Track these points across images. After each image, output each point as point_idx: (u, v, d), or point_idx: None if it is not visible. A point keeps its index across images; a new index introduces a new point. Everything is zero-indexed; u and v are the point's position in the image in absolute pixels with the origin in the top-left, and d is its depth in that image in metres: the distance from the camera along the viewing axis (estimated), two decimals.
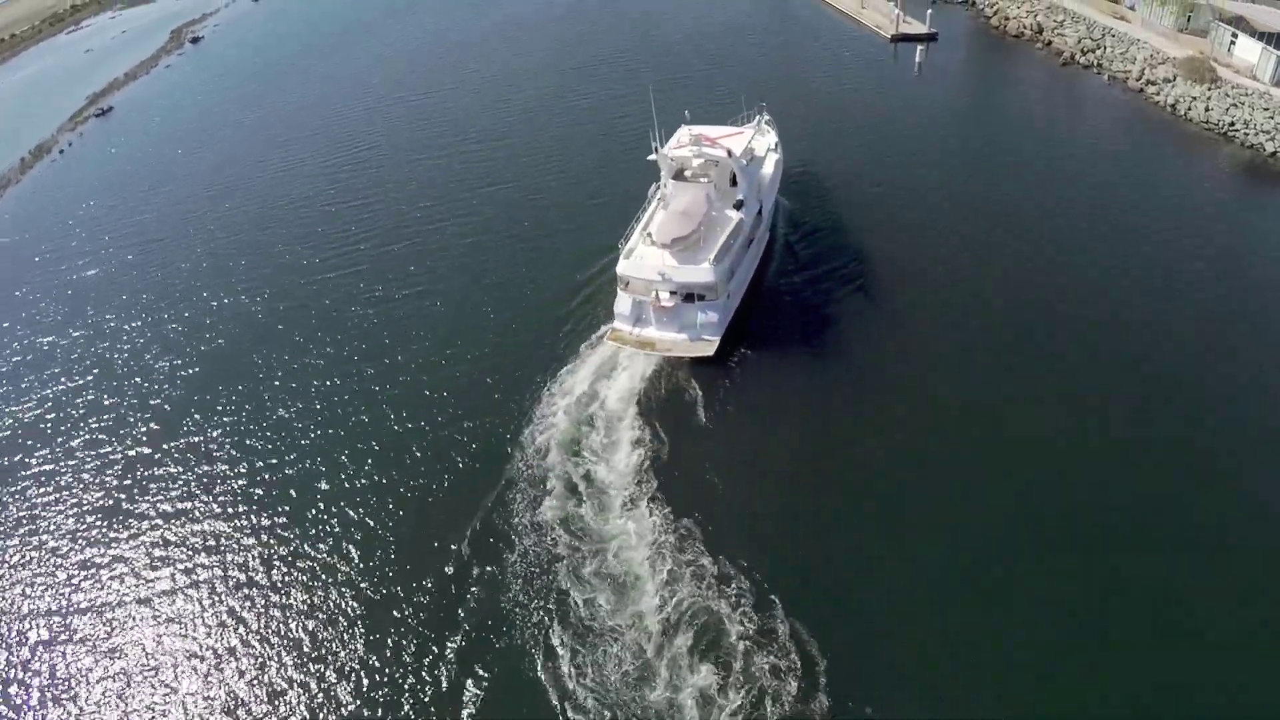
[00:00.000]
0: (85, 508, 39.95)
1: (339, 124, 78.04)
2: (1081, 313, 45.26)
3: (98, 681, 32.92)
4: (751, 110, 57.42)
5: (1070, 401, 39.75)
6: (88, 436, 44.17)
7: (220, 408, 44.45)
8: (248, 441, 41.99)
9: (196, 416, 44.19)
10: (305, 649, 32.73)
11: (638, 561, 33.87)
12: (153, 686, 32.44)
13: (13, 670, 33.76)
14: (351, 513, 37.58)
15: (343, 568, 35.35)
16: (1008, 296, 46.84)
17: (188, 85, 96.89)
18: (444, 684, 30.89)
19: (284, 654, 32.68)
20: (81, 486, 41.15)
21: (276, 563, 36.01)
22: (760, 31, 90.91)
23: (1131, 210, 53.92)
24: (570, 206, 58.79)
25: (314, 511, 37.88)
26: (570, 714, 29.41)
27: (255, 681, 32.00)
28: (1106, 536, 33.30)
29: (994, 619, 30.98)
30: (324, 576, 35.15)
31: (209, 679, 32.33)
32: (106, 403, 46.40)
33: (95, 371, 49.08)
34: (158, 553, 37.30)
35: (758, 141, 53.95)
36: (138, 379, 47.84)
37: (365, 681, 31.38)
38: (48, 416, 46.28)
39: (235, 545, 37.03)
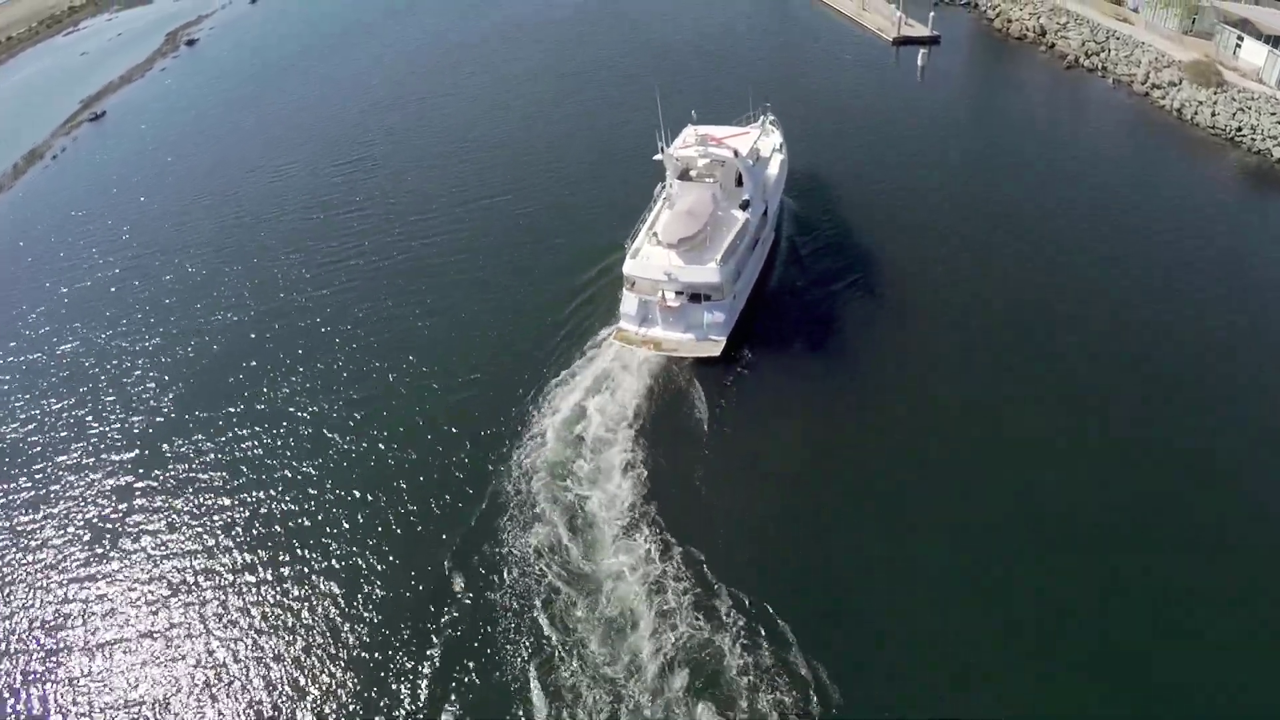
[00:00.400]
0: (69, 533, 39.83)
1: (334, 130, 78.35)
2: (1082, 313, 45.95)
3: None
4: (756, 110, 58.12)
5: (1070, 401, 40.34)
6: (73, 459, 43.98)
7: (205, 430, 44.30)
8: (233, 465, 41.94)
9: (181, 439, 44.03)
10: (278, 682, 32.59)
11: (632, 595, 33.32)
12: None
13: None
14: (335, 544, 37.19)
15: (323, 603, 34.89)
16: (1009, 297, 47.52)
17: (181, 89, 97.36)
18: None
19: (254, 687, 32.56)
20: (65, 511, 40.99)
21: (256, 592, 35.78)
22: (760, 33, 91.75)
23: (1134, 213, 54.61)
24: (568, 210, 59.36)
25: (297, 539, 37.62)
26: None
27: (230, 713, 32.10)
28: (1106, 536, 33.83)
29: (994, 620, 31.41)
30: (305, 608, 34.78)
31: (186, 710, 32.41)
32: (92, 424, 46.18)
33: (81, 390, 48.85)
34: (139, 577, 37.21)
35: (763, 142, 54.76)
36: (124, 398, 47.72)
37: None
38: (32, 438, 46.01)
39: (217, 571, 36.86)
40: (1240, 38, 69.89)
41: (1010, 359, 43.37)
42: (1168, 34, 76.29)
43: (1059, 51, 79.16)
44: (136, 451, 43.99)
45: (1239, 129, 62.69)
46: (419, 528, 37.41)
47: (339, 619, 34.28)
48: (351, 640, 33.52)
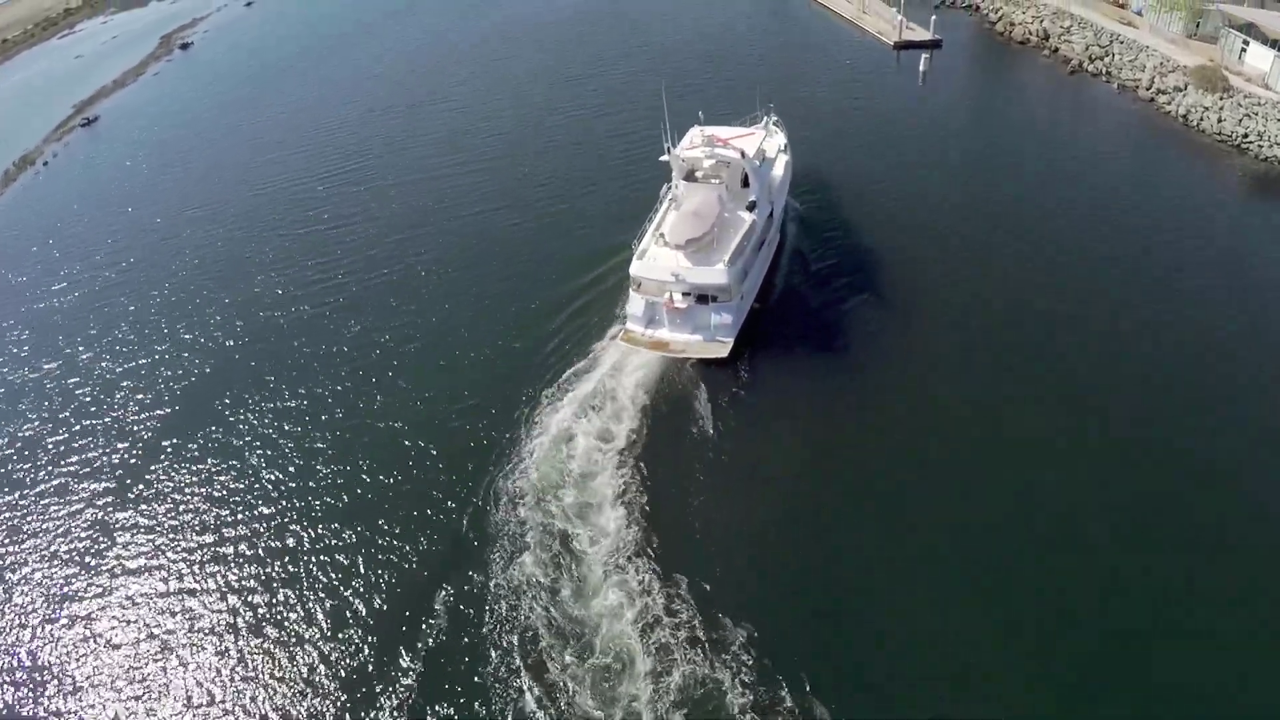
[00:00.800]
0: (51, 559, 39.73)
1: (328, 137, 78.74)
2: (1083, 314, 46.75)
3: None
4: (759, 111, 58.91)
5: (1070, 401, 41.02)
6: (56, 483, 43.83)
7: (188, 456, 44.10)
8: (215, 492, 41.78)
9: (164, 464, 43.82)
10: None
11: (626, 635, 32.74)
12: None
13: None
14: (318, 576, 36.90)
15: (301, 643, 34.51)
16: (1010, 298, 48.25)
17: (174, 95, 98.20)
18: None
19: None
20: (46, 539, 40.86)
21: (232, 628, 35.56)
22: (759, 36, 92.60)
23: (1138, 215, 55.30)
24: (560, 219, 59.81)
25: (278, 573, 37.30)
26: None
27: None
28: (1106, 536, 34.43)
29: (995, 620, 31.90)
30: (281, 650, 34.41)
31: None
32: (74, 448, 45.95)
33: (65, 411, 48.70)
34: (119, 606, 37.11)
35: (768, 143, 55.58)
36: (108, 420, 47.53)
37: None
38: (12, 463, 45.79)
39: (196, 605, 36.66)
40: (1246, 42, 70.43)
41: (1010, 359, 44.02)
42: (1172, 38, 76.94)
43: (1062, 56, 79.83)
44: (118, 478, 43.52)
45: (1245, 135, 63.11)
46: (404, 560, 37.05)
47: (317, 658, 33.88)
48: (328, 684, 33.08)
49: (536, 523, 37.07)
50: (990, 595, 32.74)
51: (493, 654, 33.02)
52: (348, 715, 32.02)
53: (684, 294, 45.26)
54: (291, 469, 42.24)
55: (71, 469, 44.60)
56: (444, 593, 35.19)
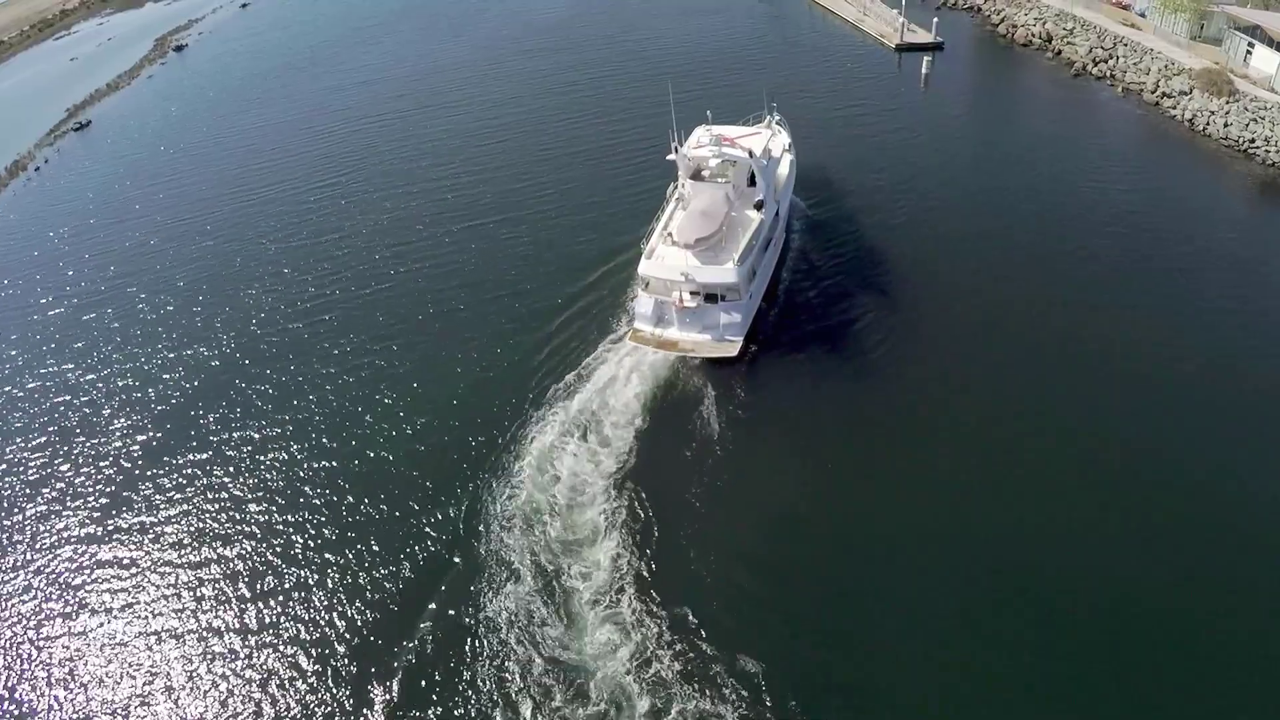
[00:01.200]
0: (36, 583, 40.01)
1: (320, 143, 79.05)
2: (1086, 317, 46.89)
3: None
4: (762, 111, 59.14)
5: (1075, 406, 41.43)
6: (39, 508, 44.06)
7: (173, 478, 44.23)
8: (200, 515, 41.86)
9: (149, 486, 44.00)
10: None
11: (620, 675, 32.15)
12: None
13: None
14: (301, 600, 36.87)
15: (283, 677, 34.35)
16: (1013, 304, 48.54)
17: (168, 99, 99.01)
18: None
19: None
20: (32, 561, 41.17)
21: (209, 654, 35.56)
22: (759, 40, 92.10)
23: (1144, 222, 54.99)
24: (552, 230, 59.61)
25: (259, 600, 37.27)
26: None
27: None
28: (1127, 562, 34.18)
29: (1006, 656, 31.62)
30: (264, 678, 34.40)
31: None
32: (61, 469, 46.21)
33: (50, 431, 49.01)
34: (104, 633, 37.26)
35: (774, 142, 55.83)
36: (94, 441, 47.75)
37: None
38: None
39: (177, 630, 36.70)
40: (1251, 44, 69.19)
41: (1014, 364, 44.66)
42: (1176, 40, 75.75)
43: (1065, 59, 78.88)
44: (102, 505, 43.48)
45: (1252, 140, 62.17)
46: (389, 587, 36.67)
47: (292, 695, 33.63)
48: None
49: (526, 548, 36.97)
50: (1002, 630, 32.38)
51: (479, 694, 32.44)
52: None
53: (692, 293, 45.60)
54: (275, 493, 42.60)
55: (55, 493, 44.91)
56: (429, 624, 34.90)
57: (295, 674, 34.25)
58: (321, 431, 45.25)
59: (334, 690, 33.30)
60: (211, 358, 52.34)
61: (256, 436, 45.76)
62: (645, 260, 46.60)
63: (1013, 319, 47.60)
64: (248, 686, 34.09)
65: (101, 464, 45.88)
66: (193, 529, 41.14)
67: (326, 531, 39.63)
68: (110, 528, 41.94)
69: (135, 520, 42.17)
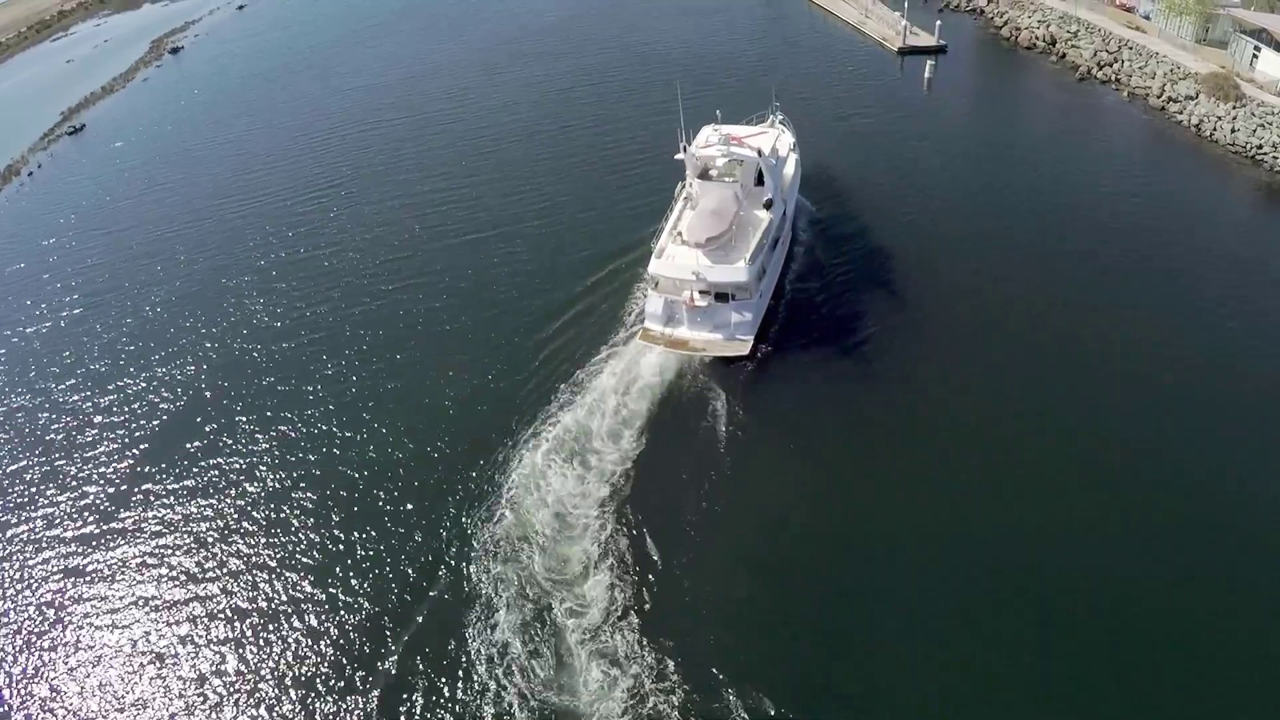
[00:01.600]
0: (19, 611, 39.88)
1: (314, 150, 79.27)
2: (1091, 323, 47.34)
3: None
4: (765, 111, 60.06)
5: (1079, 410, 41.98)
6: (23, 532, 43.86)
7: (158, 500, 43.87)
8: (182, 541, 41.49)
9: (134, 509, 43.75)
10: None
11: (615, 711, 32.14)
12: None
13: None
14: (280, 629, 36.57)
15: (248, 709, 34.23)
16: (1018, 309, 49.13)
17: (162, 102, 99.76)
18: None
19: None
20: (15, 588, 41.02)
21: (187, 680, 35.54)
22: (759, 43, 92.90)
23: (1150, 230, 55.47)
24: (553, 240, 59.67)
25: (237, 632, 37.01)
26: None
27: None
28: (1137, 570, 34.56)
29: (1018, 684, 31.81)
30: (237, 710, 34.26)
31: None
32: (47, 490, 45.95)
33: (34, 452, 48.70)
34: (88, 662, 37.19)
35: (780, 141, 56.84)
36: (78, 460, 47.48)
37: None
38: None
39: (161, 657, 36.58)
40: (1257, 48, 69.85)
41: (1018, 370, 45.18)
42: (1181, 43, 76.44)
43: (1070, 62, 79.56)
44: (89, 528, 43.16)
45: (1260, 147, 62.68)
46: (373, 620, 36.32)
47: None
48: None
49: (514, 575, 36.63)
50: (1002, 630, 32.88)
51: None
52: None
53: (701, 292, 46.43)
54: (260, 516, 42.27)
55: (40, 513, 44.56)
56: (413, 658, 34.31)
57: (270, 713, 33.99)
58: (308, 453, 45.16)
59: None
60: (198, 376, 52.16)
61: (240, 461, 45.44)
62: (655, 259, 47.45)
63: (1013, 319, 48.41)
64: (218, 698, 34.28)
65: (86, 486, 45.60)
66: (176, 553, 40.91)
67: (313, 558, 39.49)
68: (94, 550, 41.72)
69: (117, 544, 41.87)
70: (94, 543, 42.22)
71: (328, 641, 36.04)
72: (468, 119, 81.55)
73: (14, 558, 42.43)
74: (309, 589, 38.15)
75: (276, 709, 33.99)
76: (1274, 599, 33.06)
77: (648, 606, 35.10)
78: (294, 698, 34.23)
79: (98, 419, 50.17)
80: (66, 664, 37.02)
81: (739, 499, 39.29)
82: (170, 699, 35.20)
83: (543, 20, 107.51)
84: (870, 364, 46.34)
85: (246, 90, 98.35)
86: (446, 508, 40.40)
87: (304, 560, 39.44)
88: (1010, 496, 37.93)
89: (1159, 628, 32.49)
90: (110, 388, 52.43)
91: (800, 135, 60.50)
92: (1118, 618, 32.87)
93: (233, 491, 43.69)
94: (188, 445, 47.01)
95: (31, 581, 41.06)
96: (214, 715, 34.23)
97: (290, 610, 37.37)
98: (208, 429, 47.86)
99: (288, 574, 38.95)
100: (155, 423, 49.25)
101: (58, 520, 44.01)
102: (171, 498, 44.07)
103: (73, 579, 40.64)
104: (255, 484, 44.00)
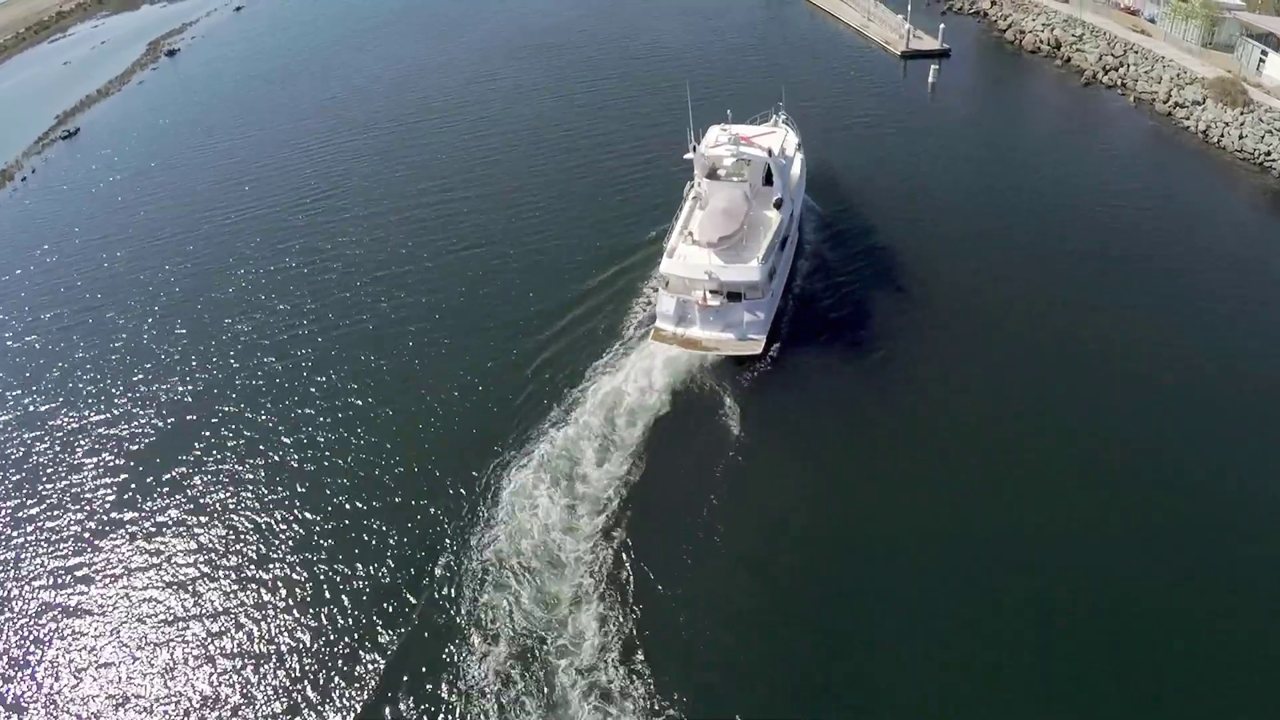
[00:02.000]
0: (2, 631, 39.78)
1: (307, 157, 79.17)
2: (1095, 327, 47.75)
3: None
4: (769, 110, 60.87)
5: (1084, 414, 42.33)
6: (3, 556, 43.63)
7: (142, 527, 43.24)
8: (162, 570, 40.84)
9: (118, 536, 43.10)
10: None
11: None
12: None
13: None
14: (262, 667, 36.06)
15: None
16: (1024, 315, 49.36)
17: (156, 107, 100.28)
18: None
19: None
20: None
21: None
22: (758, 47, 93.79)
23: (1157, 238, 55.96)
24: (551, 254, 59.45)
25: (214, 665, 36.57)
26: None
27: None
28: (1147, 579, 34.82)
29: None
30: None
31: None
32: (33, 511, 45.61)
33: (19, 474, 48.21)
34: (66, 699, 36.68)
35: (787, 141, 57.76)
36: (62, 485, 46.86)
37: None
38: None
39: (139, 689, 36.11)
40: (1264, 52, 70.61)
41: (1012, 364, 45.75)
42: (1187, 47, 77.23)
43: (1075, 66, 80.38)
44: (71, 558, 42.41)
45: (1268, 153, 63.07)
46: (353, 649, 35.70)
47: None
48: None
49: (498, 605, 36.17)
50: (1002, 630, 33.15)
51: None
52: None
53: (713, 291, 47.28)
54: (246, 547, 41.32)
55: (23, 539, 44.04)
56: (395, 690, 33.98)
57: None
58: (294, 475, 44.52)
59: None
60: (184, 395, 51.51)
61: (226, 486, 44.59)
62: (667, 259, 48.34)
63: (1013, 319, 49.06)
64: None
65: (72, 511, 44.92)
66: (159, 577, 40.34)
67: (297, 593, 38.55)
68: (78, 573, 41.33)
69: (97, 569, 41.35)
70: (74, 567, 41.64)
71: (306, 671, 35.30)
72: (468, 121, 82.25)
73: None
74: (290, 616, 37.46)
75: None
76: (1274, 599, 33.48)
77: (647, 603, 35.43)
78: None
79: (83, 438, 49.49)
80: (51, 685, 36.65)
81: (739, 500, 39.64)
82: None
83: (543, 21, 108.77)
84: (871, 363, 46.98)
85: (241, 96, 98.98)
86: (436, 529, 39.90)
87: (287, 585, 38.79)
88: (1010, 496, 38.40)
89: (1159, 628, 32.85)
90: (96, 406, 51.82)
91: (804, 137, 61.19)
92: (1118, 618, 33.26)
93: (217, 520, 42.74)
94: (173, 469, 46.06)
95: (19, 600, 40.62)
96: None
97: (268, 638, 36.73)
98: (194, 452, 47.01)
99: (269, 600, 38.29)
100: (144, 443, 48.45)
101: (40, 541, 43.39)
102: (150, 524, 43.29)
103: (58, 594, 40.27)
104: (240, 511, 42.97)
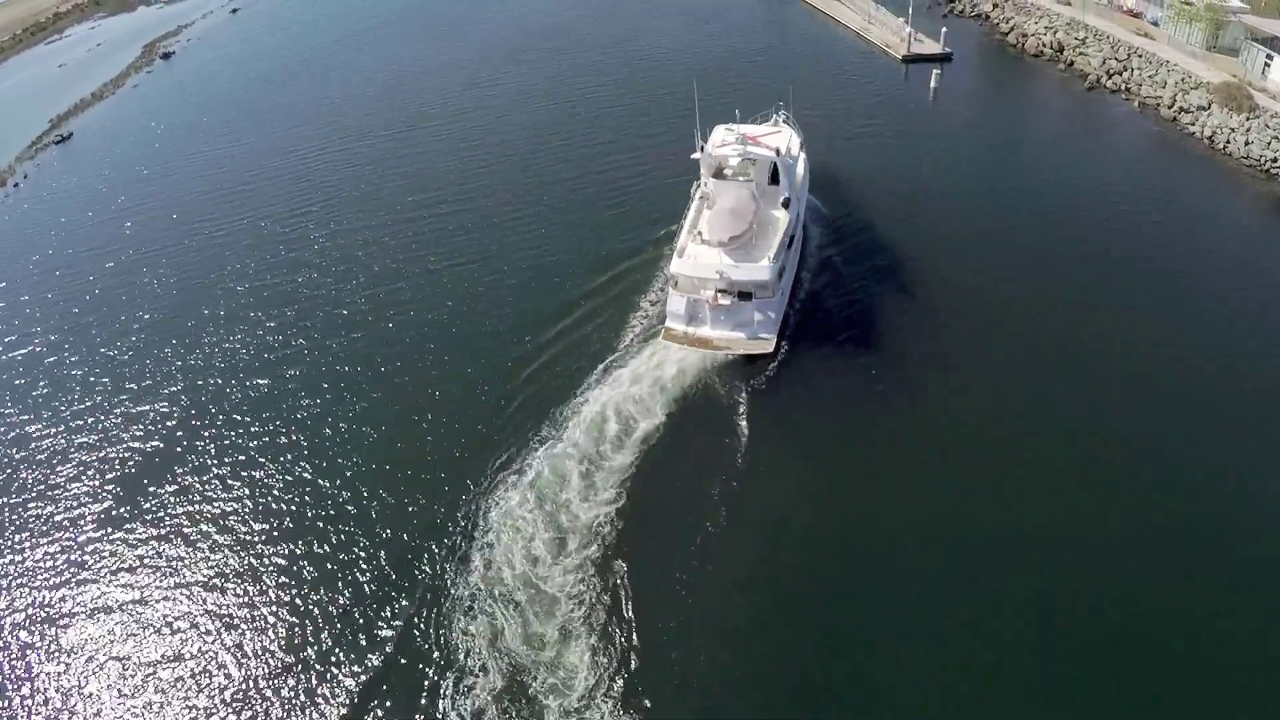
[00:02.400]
0: None
1: (302, 164, 79.02)
2: (1099, 333, 48.21)
3: None
4: (769, 110, 61.63)
5: (1087, 418, 42.85)
6: None
7: (125, 556, 42.61)
8: (147, 591, 40.43)
9: (100, 555, 42.84)
10: None
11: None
12: None
13: None
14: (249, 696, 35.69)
15: None
16: (1028, 319, 49.84)
17: (149, 112, 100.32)
18: None
19: None
20: None
21: None
22: (756, 50, 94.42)
23: (1162, 244, 56.46)
24: (549, 267, 59.16)
25: (198, 693, 36.08)
26: None
27: None
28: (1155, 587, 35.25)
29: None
30: None
31: None
32: (16, 520, 45.48)
33: (4, 496, 47.87)
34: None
35: (792, 141, 58.64)
36: (46, 501, 46.64)
37: None
38: None
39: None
40: (1270, 56, 71.29)
41: (1012, 364, 46.40)
42: (1191, 51, 77.83)
43: (1078, 70, 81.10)
44: (52, 580, 41.93)
45: (1275, 159, 63.44)
46: (351, 678, 35.32)
47: None
48: None
49: (485, 632, 35.81)
50: (1002, 630, 33.61)
51: None
52: None
53: (722, 291, 48.08)
54: (227, 568, 40.88)
55: (18, 540, 44.10)
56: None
57: None
58: (280, 499, 43.95)
59: None
60: (171, 415, 50.89)
61: (208, 504, 44.25)
62: (676, 259, 49.14)
63: (1013, 319, 49.77)
64: None
65: (56, 532, 44.54)
66: (143, 599, 40.07)
67: (283, 626, 37.98)
68: (60, 602, 40.87)
69: (85, 588, 41.13)
70: (63, 586, 41.41)
71: (286, 699, 34.90)
72: (467, 123, 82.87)
73: None
74: (271, 640, 37.07)
75: None
76: (1274, 599, 34.03)
77: (644, 599, 35.87)
78: None
79: (66, 465, 48.77)
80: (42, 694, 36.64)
81: (739, 501, 40.07)
82: None
83: (543, 21, 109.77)
84: (872, 362, 47.60)
85: (235, 100, 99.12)
86: (421, 566, 39.33)
87: (270, 608, 38.47)
88: (1010, 496, 39.00)
89: (1159, 628, 33.38)
90: (83, 423, 51.31)
91: (807, 140, 61.72)
92: (1118, 618, 33.76)
93: (196, 536, 42.51)
94: (157, 491, 45.47)
95: (6, 616, 40.51)
96: None
97: (247, 665, 36.35)
98: (179, 474, 46.30)
99: (249, 625, 37.96)
100: (130, 466, 47.61)
101: (22, 567, 43.01)
102: (132, 540, 42.95)
103: (40, 624, 39.91)
104: (225, 540, 42.46)
